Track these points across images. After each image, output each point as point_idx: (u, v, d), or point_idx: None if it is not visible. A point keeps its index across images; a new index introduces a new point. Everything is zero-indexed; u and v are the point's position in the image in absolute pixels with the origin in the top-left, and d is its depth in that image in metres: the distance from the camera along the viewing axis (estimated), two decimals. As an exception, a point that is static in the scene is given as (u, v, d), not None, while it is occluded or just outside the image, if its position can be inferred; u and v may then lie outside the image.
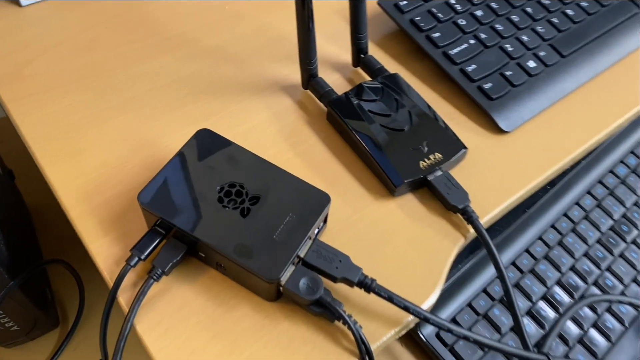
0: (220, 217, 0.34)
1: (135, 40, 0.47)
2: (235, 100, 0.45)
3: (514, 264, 0.49)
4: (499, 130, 0.45)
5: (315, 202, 0.35)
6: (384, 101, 0.43)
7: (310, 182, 0.39)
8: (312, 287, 0.33)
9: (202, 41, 0.48)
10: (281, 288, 0.33)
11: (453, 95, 0.47)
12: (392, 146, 0.40)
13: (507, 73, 0.47)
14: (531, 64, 0.48)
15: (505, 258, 0.49)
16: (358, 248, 0.38)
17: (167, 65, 0.46)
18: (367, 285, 0.34)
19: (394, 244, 0.38)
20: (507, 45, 0.48)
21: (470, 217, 0.38)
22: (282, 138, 0.43)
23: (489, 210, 0.40)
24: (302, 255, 0.34)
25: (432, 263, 0.38)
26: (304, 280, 0.33)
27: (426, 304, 0.36)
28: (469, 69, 0.46)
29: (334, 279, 0.34)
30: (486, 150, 0.44)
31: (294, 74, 0.46)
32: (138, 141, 0.41)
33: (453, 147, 0.41)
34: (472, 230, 0.39)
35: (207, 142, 0.37)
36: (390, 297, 0.34)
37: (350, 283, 0.34)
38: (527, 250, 0.50)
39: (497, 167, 0.43)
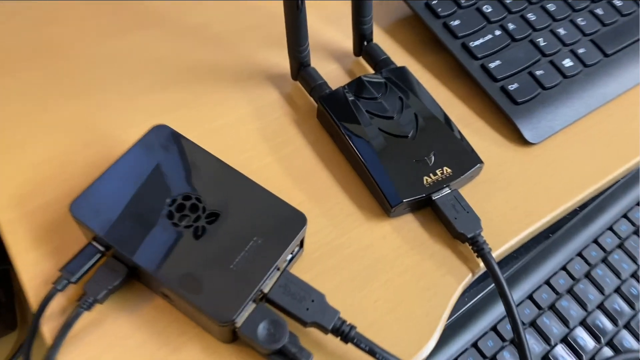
0: (167, 237, 0.28)
1: (102, 14, 0.41)
2: (212, 89, 0.38)
3: (531, 297, 0.42)
4: (524, 142, 0.38)
5: (287, 224, 0.29)
6: (386, 100, 0.36)
7: (291, 193, 0.33)
8: (273, 334, 0.26)
9: (181, 18, 0.41)
10: (237, 331, 0.27)
11: (471, 96, 0.40)
12: (392, 156, 0.34)
13: (538, 72, 0.40)
14: (567, 62, 0.41)
15: (521, 290, 0.42)
16: (340, 280, 0.31)
17: (136, 45, 0.39)
18: (344, 333, 0.27)
19: (385, 277, 0.32)
20: (540, 39, 0.42)
21: (480, 250, 0.32)
22: (262, 138, 0.36)
23: (504, 239, 0.34)
24: (265, 291, 0.28)
25: (430, 304, 0.31)
26: (264, 324, 0.27)
27: (418, 357, 0.29)
28: (492, 65, 0.40)
29: (304, 323, 0.27)
30: (506, 165, 0.37)
31: (286, 62, 0.39)
32: (90, 135, 0.35)
33: (466, 160, 0.34)
34: (481, 265, 0.33)
35: (162, 142, 0.31)
36: (371, 350, 0.27)
37: (324, 330, 0.27)
38: (547, 282, 0.43)
39: (519, 187, 0.36)
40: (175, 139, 0.31)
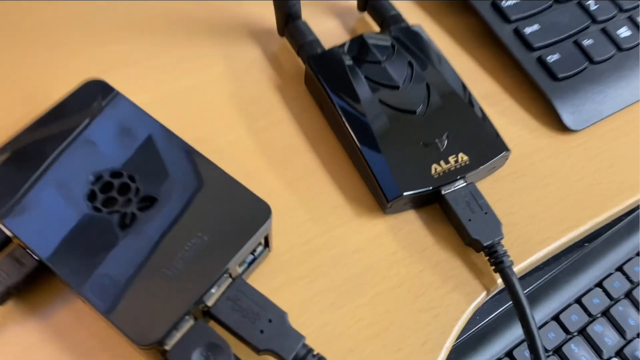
0: (84, 224, 0.22)
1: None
2: (180, 43, 0.32)
3: (557, 319, 0.37)
4: (563, 128, 0.32)
5: (245, 217, 0.22)
6: (392, 65, 0.29)
7: (263, 177, 0.28)
8: (213, 363, 0.20)
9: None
10: (166, 355, 0.21)
11: (500, 67, 0.34)
12: (393, 135, 0.28)
13: (586, 42, 0.35)
14: (623, 32, 0.35)
15: (546, 309, 0.37)
16: (315, 292, 0.25)
17: (93, -14, 0.33)
18: (309, 366, 0.21)
19: (374, 291, 0.26)
20: (590, 2, 0.36)
21: (499, 262, 0.26)
22: (234, 106, 0.30)
23: (530, 251, 0.28)
24: (209, 304, 0.21)
25: (429, 329, 0.25)
26: (201, 349, 0.20)
27: (408, 400, 0.23)
28: (529, 30, 0.34)
29: (256, 350, 0.21)
30: (539, 155, 0.31)
31: (273, 14, 0.33)
32: (23, 91, 0.29)
33: (488, 146, 0.28)
34: (499, 281, 0.27)
35: (94, 102, 0.24)
36: (344, 393, 0.21)
37: (282, 360, 0.21)
38: (578, 301, 0.38)
39: (553, 185, 0.30)
40: (112, 99, 0.24)
